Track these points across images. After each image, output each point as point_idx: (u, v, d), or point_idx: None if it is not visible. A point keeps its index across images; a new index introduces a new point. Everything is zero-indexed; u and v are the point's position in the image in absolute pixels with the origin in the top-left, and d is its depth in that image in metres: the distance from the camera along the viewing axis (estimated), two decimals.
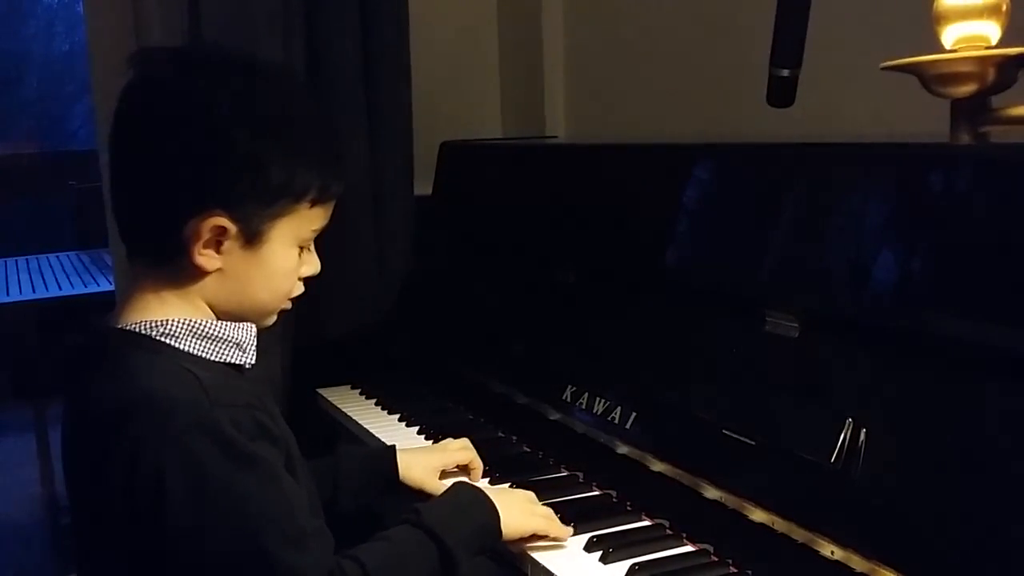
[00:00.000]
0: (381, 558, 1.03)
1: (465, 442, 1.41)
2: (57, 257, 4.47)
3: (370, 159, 2.08)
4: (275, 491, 0.96)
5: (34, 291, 3.68)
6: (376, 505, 1.37)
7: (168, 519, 0.92)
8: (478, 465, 1.39)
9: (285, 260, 1.05)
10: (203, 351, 1.02)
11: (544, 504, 1.27)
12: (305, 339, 1.98)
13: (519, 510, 1.17)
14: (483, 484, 1.33)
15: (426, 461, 1.35)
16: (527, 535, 1.16)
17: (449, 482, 1.30)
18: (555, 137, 2.37)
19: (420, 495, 1.33)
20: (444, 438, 1.55)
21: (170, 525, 0.92)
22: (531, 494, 1.25)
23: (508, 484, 1.35)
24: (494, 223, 1.93)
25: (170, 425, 0.93)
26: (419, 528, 1.07)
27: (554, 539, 1.17)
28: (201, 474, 0.92)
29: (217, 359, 1.03)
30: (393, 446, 1.38)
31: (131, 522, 0.94)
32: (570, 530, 1.19)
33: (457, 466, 1.39)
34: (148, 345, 1.00)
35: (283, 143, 1.01)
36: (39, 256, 4.48)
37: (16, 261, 4.33)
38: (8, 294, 3.62)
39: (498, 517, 1.13)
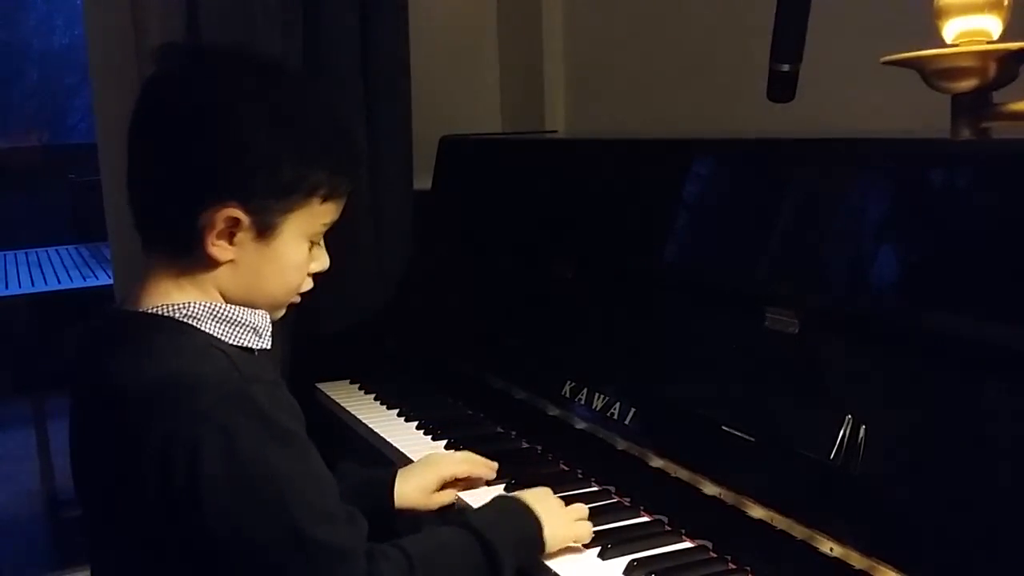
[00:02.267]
0: (424, 549, 1.04)
1: (467, 454, 1.38)
2: (56, 251, 4.46)
3: (369, 153, 2.07)
4: (307, 469, 0.98)
5: (33, 285, 3.68)
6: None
7: (202, 493, 0.92)
8: (478, 475, 1.35)
9: (296, 254, 1.06)
10: (222, 334, 1.04)
11: None
12: (304, 334, 1.98)
13: (564, 522, 1.16)
14: (495, 491, 1.32)
15: (420, 482, 1.33)
16: (567, 545, 1.15)
17: (447, 495, 1.32)
18: (554, 132, 2.36)
19: (414, 514, 1.32)
20: (443, 434, 1.56)
21: (204, 499, 0.92)
22: (581, 510, 1.21)
23: (507, 479, 1.34)
24: (493, 218, 1.93)
25: (202, 400, 0.94)
26: (466, 529, 1.08)
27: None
28: (235, 447, 0.93)
29: (235, 342, 1.05)
30: (393, 473, 1.33)
31: (160, 502, 0.94)
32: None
33: (459, 479, 1.34)
34: (172, 326, 1.01)
35: (298, 140, 1.03)
36: (38, 249, 4.47)
37: (15, 254, 4.33)
38: (7, 288, 3.62)
39: (541, 529, 1.13)
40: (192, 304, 1.03)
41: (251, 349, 1.07)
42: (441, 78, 2.31)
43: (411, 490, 1.32)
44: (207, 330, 1.03)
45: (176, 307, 1.02)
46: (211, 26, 1.87)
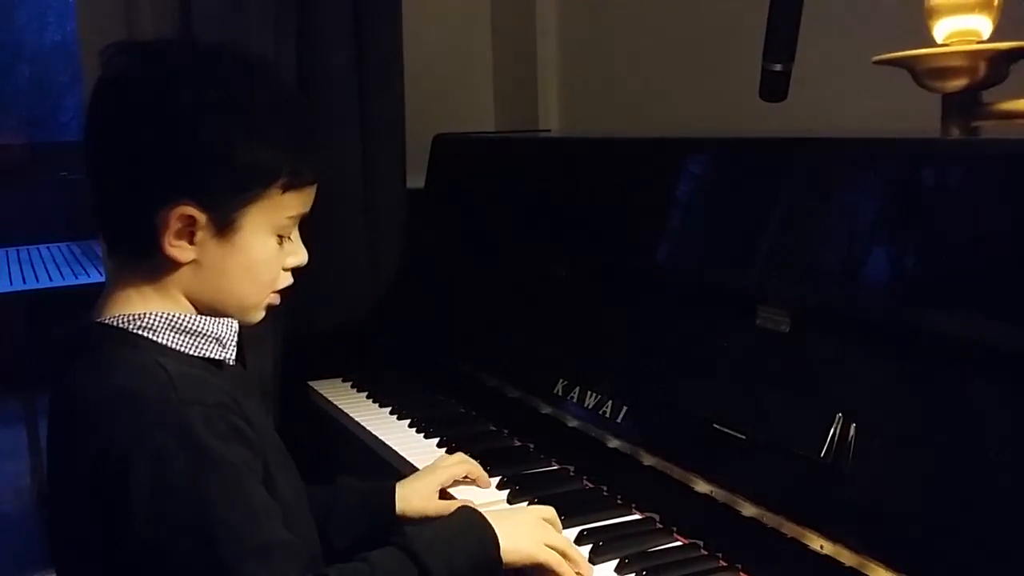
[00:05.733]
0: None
1: (460, 456, 1.35)
2: (48, 248, 4.47)
3: (362, 152, 2.08)
4: (240, 498, 0.93)
5: (24, 282, 3.68)
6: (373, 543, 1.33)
7: (129, 512, 0.90)
8: (479, 474, 1.33)
9: (261, 249, 1.03)
10: (181, 345, 1.01)
11: (535, 497, 1.27)
12: (296, 332, 1.98)
13: (527, 535, 1.08)
14: (499, 496, 1.31)
15: (422, 488, 1.30)
16: (533, 564, 1.07)
17: (454, 504, 1.26)
18: (548, 131, 2.36)
19: (424, 523, 1.28)
20: (436, 432, 1.56)
21: (130, 518, 0.90)
22: (548, 511, 1.15)
23: (499, 478, 1.35)
24: (487, 217, 1.93)
25: (139, 420, 0.92)
26: (403, 551, 1.00)
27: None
28: (165, 472, 0.90)
29: (196, 353, 1.02)
30: (393, 484, 1.30)
31: (98, 515, 0.93)
32: (588, 567, 1.10)
33: (463, 478, 1.33)
34: (125, 339, 0.99)
35: (246, 129, 0.99)
36: (30, 247, 4.48)
37: (7, 252, 4.33)
38: None
39: (497, 542, 1.05)
40: (150, 314, 1.00)
41: (217, 361, 1.04)
42: (435, 77, 2.31)
43: (415, 497, 1.28)
44: (165, 342, 1.00)
45: (133, 318, 1.00)
46: (203, 24, 1.87)
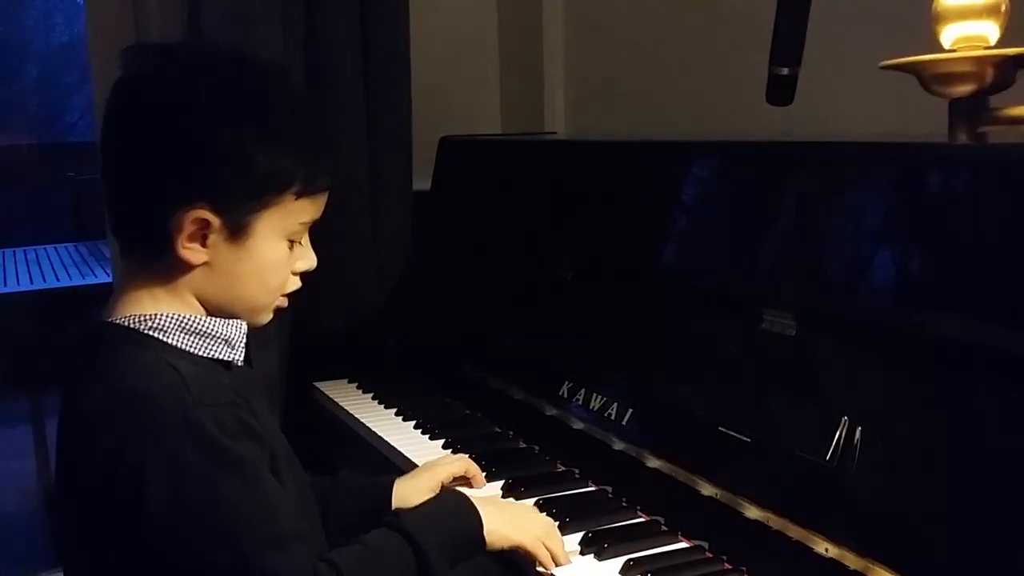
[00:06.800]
0: (356, 560, 1.01)
1: (459, 455, 1.38)
2: (55, 248, 4.48)
3: (369, 153, 2.08)
4: (256, 492, 0.96)
5: (32, 282, 3.69)
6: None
7: (146, 515, 0.92)
8: (475, 472, 1.34)
9: (272, 253, 1.04)
10: (191, 346, 1.02)
11: (540, 499, 1.27)
12: (302, 333, 1.98)
13: (508, 520, 1.13)
14: (493, 490, 1.32)
15: (421, 484, 1.30)
16: (514, 547, 1.12)
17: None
18: (554, 133, 2.37)
19: None
20: (441, 433, 1.56)
21: (148, 521, 0.92)
22: (532, 508, 1.21)
23: (504, 479, 1.35)
24: (493, 219, 1.93)
25: (153, 423, 0.93)
26: (396, 531, 1.04)
27: (542, 564, 1.12)
28: (181, 473, 0.92)
29: (205, 354, 1.03)
30: (392, 478, 1.32)
31: (112, 517, 0.94)
32: (561, 559, 1.13)
33: (456, 478, 1.33)
34: (136, 339, 1.00)
35: (264, 135, 1.00)
36: (37, 247, 4.49)
37: (14, 252, 4.34)
38: (5, 285, 3.64)
39: (481, 524, 1.10)
40: (160, 316, 1.01)
41: (225, 362, 1.05)
42: (441, 79, 2.32)
43: (413, 492, 1.29)
44: (174, 343, 1.01)
45: (143, 318, 1.01)
46: (212, 25, 1.87)
